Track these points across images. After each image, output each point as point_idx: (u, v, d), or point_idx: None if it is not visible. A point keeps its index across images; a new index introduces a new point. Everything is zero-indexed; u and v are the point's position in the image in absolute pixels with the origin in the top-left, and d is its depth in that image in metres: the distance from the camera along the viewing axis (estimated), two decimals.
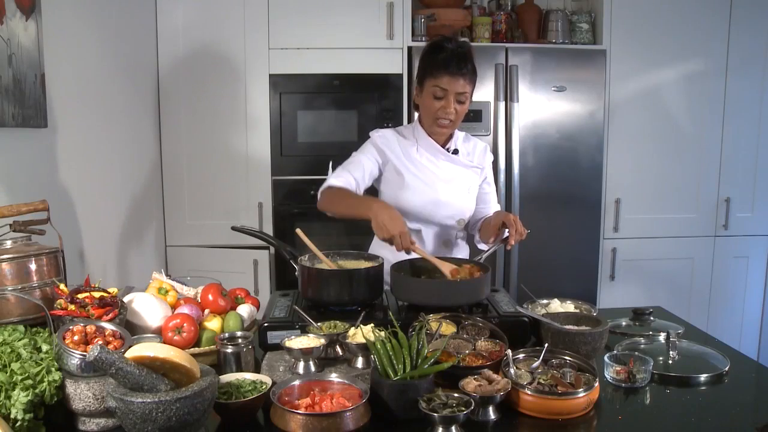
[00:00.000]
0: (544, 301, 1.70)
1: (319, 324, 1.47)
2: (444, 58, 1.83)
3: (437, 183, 1.95)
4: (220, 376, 1.24)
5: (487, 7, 3.32)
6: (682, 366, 1.45)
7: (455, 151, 1.99)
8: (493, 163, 2.10)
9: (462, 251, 2.06)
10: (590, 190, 3.11)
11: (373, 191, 2.03)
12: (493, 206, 2.08)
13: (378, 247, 1.98)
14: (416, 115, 2.04)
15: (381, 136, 1.99)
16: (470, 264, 1.74)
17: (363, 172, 1.93)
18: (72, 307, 1.31)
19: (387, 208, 1.70)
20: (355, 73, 3.01)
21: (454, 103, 1.85)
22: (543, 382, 1.26)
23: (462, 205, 1.99)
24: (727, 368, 1.43)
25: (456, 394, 1.18)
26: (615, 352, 1.46)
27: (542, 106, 3.04)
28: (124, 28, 2.62)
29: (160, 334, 1.41)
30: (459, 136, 2.03)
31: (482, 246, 2.00)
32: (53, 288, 1.38)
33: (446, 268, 1.68)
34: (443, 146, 1.98)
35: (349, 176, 1.90)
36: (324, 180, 1.92)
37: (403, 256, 1.70)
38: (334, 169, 1.96)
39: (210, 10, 2.95)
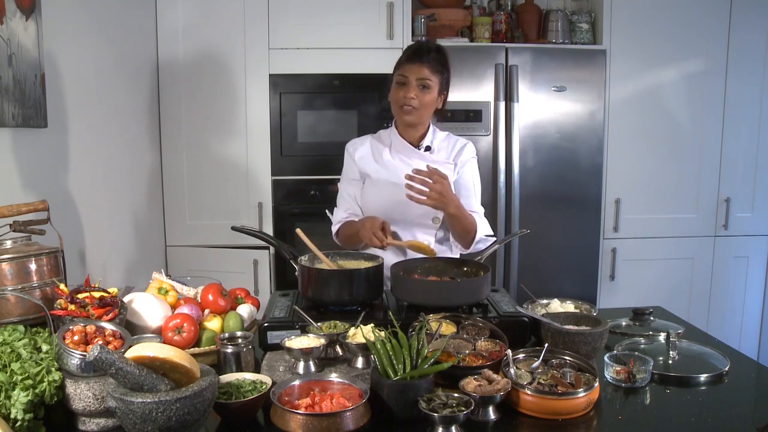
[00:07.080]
0: (544, 301, 1.70)
1: (319, 324, 1.47)
2: (408, 50, 1.95)
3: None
4: (220, 376, 1.24)
5: (487, 7, 3.32)
6: (682, 366, 1.45)
7: (427, 148, 1.99)
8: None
9: (445, 254, 1.99)
10: (590, 190, 3.11)
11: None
12: (467, 205, 1.94)
13: None
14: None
15: (352, 143, 2.07)
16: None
17: (351, 201, 2.03)
18: (72, 307, 1.31)
19: (365, 219, 1.84)
20: (355, 73, 3.01)
21: (416, 89, 1.88)
22: (543, 382, 1.26)
23: None
24: (727, 368, 1.43)
25: (456, 394, 1.18)
26: (615, 352, 1.46)
27: (542, 106, 3.04)
28: (124, 28, 2.62)
29: (160, 334, 1.41)
30: (439, 135, 2.02)
31: (459, 247, 1.96)
32: (53, 288, 1.38)
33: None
34: (417, 144, 1.99)
35: (344, 213, 2.02)
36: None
37: (403, 256, 1.70)
38: (332, 211, 2.07)
39: (210, 10, 2.95)
